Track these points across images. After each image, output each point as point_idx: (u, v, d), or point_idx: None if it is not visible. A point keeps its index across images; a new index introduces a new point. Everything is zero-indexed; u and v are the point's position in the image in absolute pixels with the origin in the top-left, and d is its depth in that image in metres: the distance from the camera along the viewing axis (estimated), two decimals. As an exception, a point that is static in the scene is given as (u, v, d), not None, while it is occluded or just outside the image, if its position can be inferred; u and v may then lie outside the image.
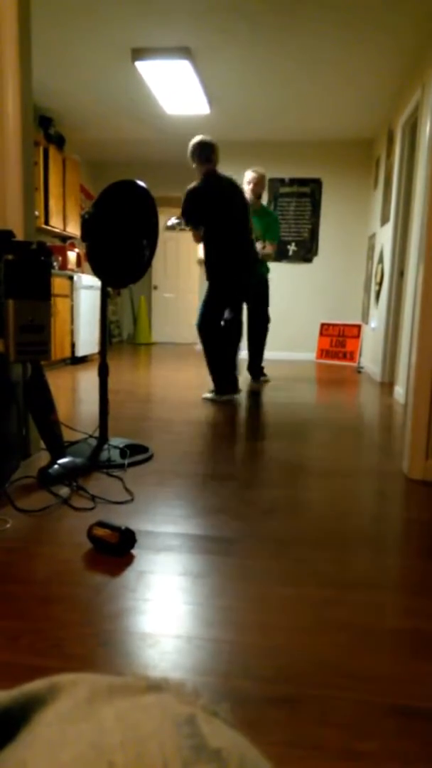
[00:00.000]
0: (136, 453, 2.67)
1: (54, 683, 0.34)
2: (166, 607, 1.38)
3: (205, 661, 1.17)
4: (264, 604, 1.41)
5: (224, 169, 7.46)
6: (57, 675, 0.36)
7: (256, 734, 0.98)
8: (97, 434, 3.01)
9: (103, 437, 2.69)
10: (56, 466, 2.27)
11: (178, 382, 5.24)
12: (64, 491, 2.19)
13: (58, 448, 2.36)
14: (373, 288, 6.35)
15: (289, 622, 1.33)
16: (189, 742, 0.28)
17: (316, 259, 7.48)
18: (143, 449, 2.73)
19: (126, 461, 2.53)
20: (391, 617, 1.37)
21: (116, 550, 1.66)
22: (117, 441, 2.76)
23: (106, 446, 2.66)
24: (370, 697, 1.08)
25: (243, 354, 7.49)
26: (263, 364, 6.64)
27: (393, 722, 1.01)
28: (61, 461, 2.31)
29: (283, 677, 1.13)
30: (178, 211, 10.00)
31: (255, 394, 4.69)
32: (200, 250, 4.35)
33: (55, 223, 6.62)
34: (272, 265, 7.55)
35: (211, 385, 5.13)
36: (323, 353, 7.46)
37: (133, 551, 1.69)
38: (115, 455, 2.58)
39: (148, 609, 1.37)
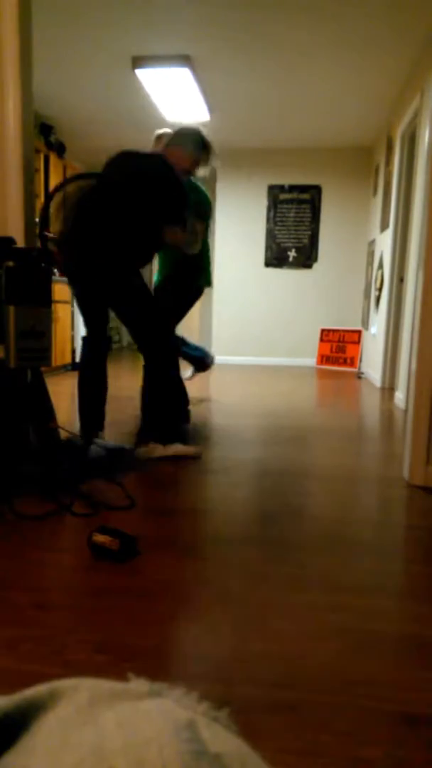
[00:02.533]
0: (122, 454, 2.67)
1: (55, 688, 0.34)
2: (167, 613, 1.38)
3: (208, 668, 1.17)
4: (266, 610, 1.40)
5: (224, 175, 7.48)
6: (58, 680, 0.36)
7: (259, 741, 0.97)
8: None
9: (87, 439, 2.67)
10: (59, 473, 2.27)
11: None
12: (64, 498, 2.18)
13: (59, 454, 2.36)
14: (373, 294, 6.36)
15: (291, 627, 1.33)
16: (189, 747, 0.28)
17: (316, 265, 7.50)
18: (126, 450, 2.74)
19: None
20: (394, 623, 1.36)
21: (117, 557, 1.65)
22: (105, 443, 2.74)
23: (92, 448, 2.65)
24: (373, 703, 1.07)
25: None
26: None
27: (397, 729, 1.01)
28: (65, 468, 2.30)
29: (286, 683, 1.12)
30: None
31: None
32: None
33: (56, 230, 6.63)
34: (274, 271, 7.59)
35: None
36: (323, 359, 7.47)
37: (134, 557, 1.68)
38: (102, 455, 2.58)
39: (149, 615, 1.36)
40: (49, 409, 2.34)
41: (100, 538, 1.68)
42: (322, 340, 7.51)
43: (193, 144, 3.12)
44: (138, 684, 0.36)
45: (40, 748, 0.28)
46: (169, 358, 2.95)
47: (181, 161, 3.05)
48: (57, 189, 2.50)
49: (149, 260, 2.97)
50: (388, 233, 5.57)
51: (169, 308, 3.65)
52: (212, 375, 6.33)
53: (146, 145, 6.55)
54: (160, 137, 3.72)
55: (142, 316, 2.86)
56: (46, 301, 2.24)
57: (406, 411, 3.44)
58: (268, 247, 7.55)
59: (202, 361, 4.67)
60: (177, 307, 3.76)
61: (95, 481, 2.39)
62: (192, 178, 3.57)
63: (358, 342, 7.19)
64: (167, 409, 2.95)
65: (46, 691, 0.34)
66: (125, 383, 5.53)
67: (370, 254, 6.94)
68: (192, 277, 3.69)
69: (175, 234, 2.98)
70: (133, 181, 2.80)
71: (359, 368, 7.13)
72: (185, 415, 3.55)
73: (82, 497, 2.19)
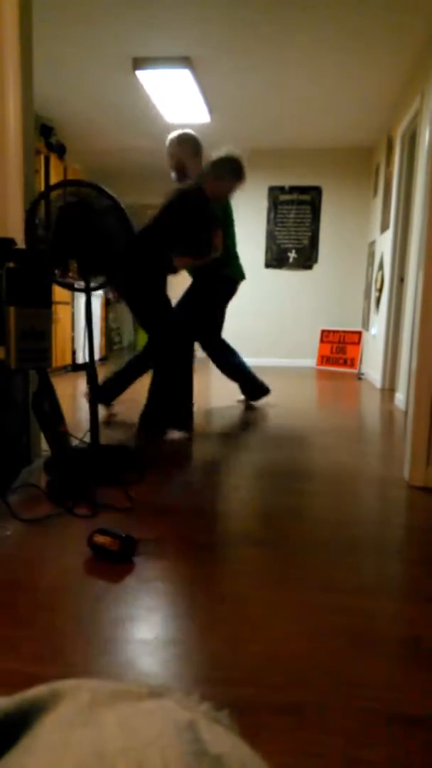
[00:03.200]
0: (125, 456, 2.66)
1: (55, 689, 0.34)
2: (166, 614, 1.38)
3: (207, 669, 1.17)
4: (266, 611, 1.40)
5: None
6: (58, 681, 0.36)
7: (258, 742, 0.97)
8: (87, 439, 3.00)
9: (93, 442, 2.66)
10: (66, 478, 2.25)
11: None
12: (69, 501, 2.18)
13: (67, 459, 2.36)
14: (374, 295, 6.36)
15: (291, 628, 1.33)
16: (190, 748, 0.28)
17: (316, 266, 7.50)
18: (130, 452, 2.72)
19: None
20: (394, 624, 1.36)
21: (117, 558, 1.66)
22: (109, 445, 2.74)
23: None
24: (374, 705, 1.07)
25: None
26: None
27: (397, 731, 1.01)
28: (71, 472, 2.29)
29: (285, 685, 1.12)
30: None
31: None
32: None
33: (56, 231, 6.63)
34: (274, 272, 7.59)
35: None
36: (324, 360, 7.47)
37: (134, 558, 1.69)
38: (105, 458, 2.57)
39: (149, 616, 1.36)
40: (58, 413, 2.34)
41: (100, 539, 1.68)
42: (322, 340, 7.51)
43: (231, 174, 3.34)
44: (139, 685, 0.36)
45: (40, 749, 0.28)
46: (168, 362, 3.20)
47: (217, 193, 3.34)
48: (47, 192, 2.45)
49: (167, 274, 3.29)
50: (389, 234, 5.57)
51: (201, 308, 3.78)
52: (212, 377, 6.33)
53: (146, 147, 6.61)
54: (182, 142, 3.64)
55: (150, 322, 3.22)
56: (46, 302, 2.25)
57: (406, 412, 3.43)
58: (268, 249, 7.56)
59: (254, 391, 4.36)
60: (209, 305, 3.84)
61: (97, 483, 2.39)
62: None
63: (358, 343, 7.19)
64: (163, 400, 3.24)
65: (47, 692, 0.34)
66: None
67: (371, 255, 6.94)
68: (218, 268, 3.74)
69: (185, 261, 3.28)
70: (168, 220, 3.19)
71: (359, 369, 7.13)
72: (188, 419, 3.55)
73: (83, 498, 2.19)
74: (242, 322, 7.67)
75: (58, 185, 2.46)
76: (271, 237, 7.54)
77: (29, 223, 2.47)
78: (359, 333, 7.21)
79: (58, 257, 2.48)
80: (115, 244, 2.51)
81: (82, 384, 5.50)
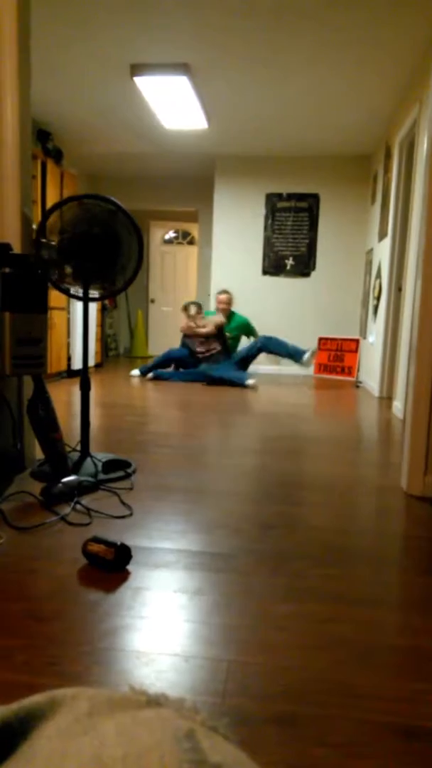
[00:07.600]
0: (118, 468, 2.63)
1: (54, 697, 0.34)
2: (162, 624, 1.37)
3: (203, 680, 1.16)
4: (262, 621, 1.40)
5: (221, 183, 7.51)
6: (57, 689, 0.35)
7: (255, 753, 0.97)
8: (78, 447, 2.99)
9: (84, 451, 2.64)
10: (60, 485, 2.24)
11: (175, 395, 5.24)
12: (65, 509, 2.17)
13: (61, 466, 2.34)
14: (371, 303, 6.37)
15: (288, 639, 1.32)
16: (189, 756, 0.28)
17: (313, 274, 7.51)
18: (126, 464, 2.69)
19: (99, 477, 2.51)
20: (391, 635, 1.36)
21: (112, 566, 1.64)
22: (99, 455, 2.72)
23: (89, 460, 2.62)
24: (370, 716, 1.07)
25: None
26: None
27: (393, 742, 1.00)
28: (65, 480, 2.28)
29: (282, 696, 1.12)
30: (176, 224, 10.09)
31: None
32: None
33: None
34: (272, 279, 7.60)
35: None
36: (321, 368, 7.47)
37: (129, 567, 1.68)
38: (95, 469, 2.55)
39: (144, 626, 1.36)
40: (53, 420, 2.33)
41: (94, 547, 1.67)
42: (319, 348, 7.52)
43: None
44: (137, 693, 0.36)
45: (39, 757, 0.28)
46: None
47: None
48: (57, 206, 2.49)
49: None
50: (387, 242, 5.59)
51: None
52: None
53: (143, 153, 6.69)
54: None
55: None
56: (42, 307, 2.24)
57: (404, 420, 3.44)
58: (265, 256, 7.57)
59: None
60: None
61: (92, 491, 2.38)
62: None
63: (356, 351, 7.19)
64: None
65: (45, 700, 0.34)
66: (122, 390, 5.52)
67: (368, 263, 6.96)
68: None
69: None
70: None
71: (357, 377, 7.14)
72: None
73: (78, 506, 2.18)
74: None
75: (72, 198, 2.51)
76: (268, 244, 7.56)
77: (39, 231, 2.49)
78: (357, 341, 7.22)
79: (64, 260, 2.49)
80: (123, 256, 2.52)
81: (77, 390, 5.50)
